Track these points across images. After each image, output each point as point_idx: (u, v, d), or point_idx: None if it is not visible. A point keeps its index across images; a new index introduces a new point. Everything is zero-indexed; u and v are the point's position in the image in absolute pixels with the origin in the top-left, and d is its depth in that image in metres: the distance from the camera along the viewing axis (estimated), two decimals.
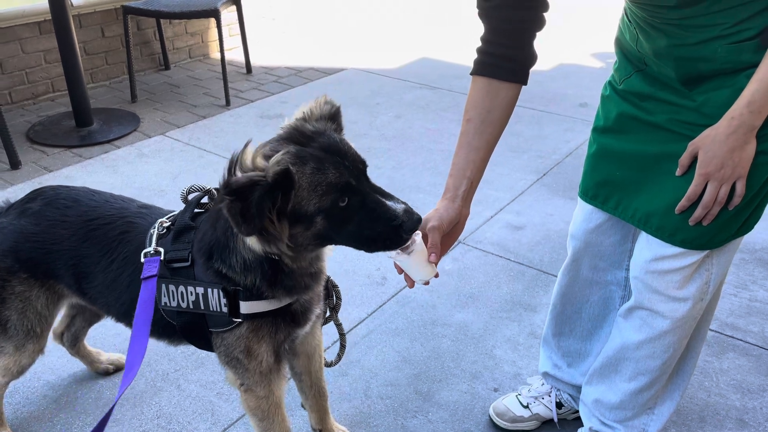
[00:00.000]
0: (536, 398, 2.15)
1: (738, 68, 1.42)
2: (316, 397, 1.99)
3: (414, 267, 1.47)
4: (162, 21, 5.32)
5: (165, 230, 1.63)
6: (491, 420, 2.17)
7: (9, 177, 3.76)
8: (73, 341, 2.27)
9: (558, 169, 3.90)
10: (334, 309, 1.84)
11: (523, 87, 1.59)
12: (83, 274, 1.74)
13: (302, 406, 2.05)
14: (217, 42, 5.12)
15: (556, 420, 2.14)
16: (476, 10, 1.55)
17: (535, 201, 3.56)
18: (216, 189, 1.59)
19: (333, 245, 1.52)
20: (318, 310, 1.72)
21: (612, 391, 1.87)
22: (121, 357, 2.39)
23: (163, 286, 1.57)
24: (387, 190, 1.42)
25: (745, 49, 1.40)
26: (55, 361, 2.40)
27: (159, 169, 3.85)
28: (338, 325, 1.89)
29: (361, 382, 2.35)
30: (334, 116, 1.48)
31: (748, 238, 2.33)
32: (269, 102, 4.90)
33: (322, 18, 7.08)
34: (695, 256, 1.58)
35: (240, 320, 1.55)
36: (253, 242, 1.42)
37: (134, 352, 1.43)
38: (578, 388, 2.08)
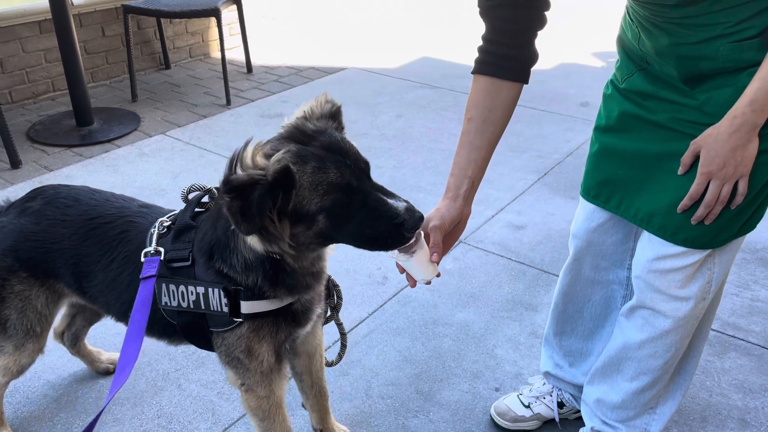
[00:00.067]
0: (538, 398, 2.14)
1: (740, 67, 1.42)
2: (317, 397, 1.98)
3: (416, 266, 1.47)
4: (162, 20, 5.32)
5: (165, 229, 1.62)
6: (492, 420, 2.17)
7: (9, 176, 3.76)
8: (74, 340, 2.26)
9: (559, 169, 3.89)
10: (335, 308, 1.83)
11: (524, 86, 1.59)
12: (83, 273, 1.73)
13: (303, 405, 2.04)
14: (218, 41, 5.11)
15: (557, 420, 2.14)
16: (477, 10, 1.55)
17: (536, 200, 3.55)
18: (217, 188, 1.59)
19: (334, 245, 1.52)
20: (319, 309, 1.72)
21: (614, 390, 1.87)
22: None
23: (164, 285, 1.57)
24: (388, 189, 1.42)
25: (747, 47, 1.39)
26: (55, 361, 2.39)
27: (159, 169, 3.85)
28: (339, 325, 1.89)
29: (362, 381, 2.34)
30: (335, 115, 1.48)
31: (749, 238, 2.32)
32: (270, 101, 4.89)
33: (323, 17, 7.08)
34: (697, 256, 1.57)
35: (241, 320, 1.54)
36: (254, 241, 1.42)
37: (127, 353, 1.42)
38: (580, 388, 2.07)
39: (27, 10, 4.53)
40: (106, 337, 2.51)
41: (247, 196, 1.26)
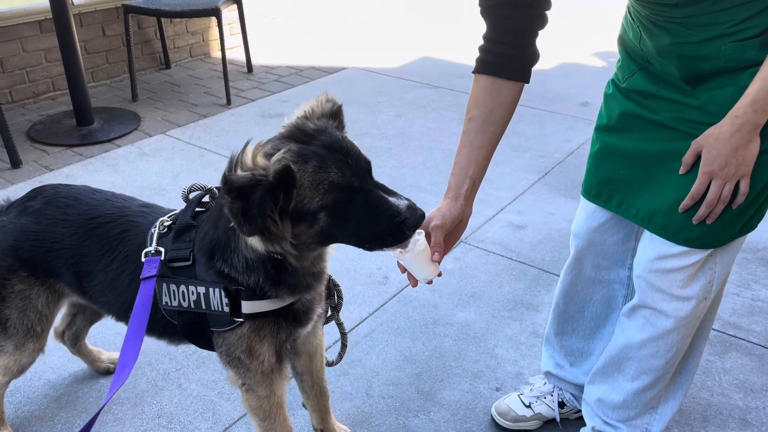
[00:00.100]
0: (538, 398, 2.14)
1: (741, 66, 1.42)
2: (317, 397, 1.98)
3: (417, 266, 1.46)
4: (163, 20, 5.32)
5: (166, 229, 1.62)
6: (493, 419, 2.16)
7: (10, 176, 3.76)
8: (74, 340, 2.26)
9: (559, 169, 3.89)
10: (336, 308, 1.83)
11: (525, 86, 1.59)
12: (84, 272, 1.73)
13: (303, 405, 2.04)
14: (218, 41, 5.12)
15: (558, 419, 2.14)
16: (477, 9, 1.55)
17: (537, 200, 3.55)
18: (217, 188, 1.59)
19: (335, 244, 1.52)
20: (320, 309, 1.72)
21: (615, 390, 1.86)
22: None
23: (164, 285, 1.57)
24: (389, 187, 1.42)
25: (749, 47, 1.39)
26: (55, 360, 2.39)
27: (160, 168, 3.85)
28: (340, 325, 1.89)
29: (362, 381, 2.34)
30: (335, 114, 1.48)
31: (750, 238, 2.32)
32: (270, 101, 4.89)
33: (323, 17, 7.08)
34: (699, 255, 1.57)
35: (242, 320, 1.54)
36: (255, 242, 1.41)
37: (127, 353, 1.42)
38: (581, 388, 2.07)
39: (27, 9, 4.53)
40: (107, 336, 2.51)
41: (249, 197, 1.25)
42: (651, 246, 1.63)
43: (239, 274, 1.50)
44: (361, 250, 1.47)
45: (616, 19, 1.77)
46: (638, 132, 1.64)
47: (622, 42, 1.71)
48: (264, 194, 1.26)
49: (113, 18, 5.07)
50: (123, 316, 1.76)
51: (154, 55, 5.47)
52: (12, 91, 4.64)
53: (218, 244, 1.51)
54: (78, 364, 2.37)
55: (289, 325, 1.60)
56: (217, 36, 5.23)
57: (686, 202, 1.50)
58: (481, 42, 1.57)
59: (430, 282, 1.51)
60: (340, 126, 1.48)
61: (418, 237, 1.44)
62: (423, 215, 1.38)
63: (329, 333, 2.26)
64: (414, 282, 1.53)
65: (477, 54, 1.58)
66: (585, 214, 1.86)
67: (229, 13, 5.65)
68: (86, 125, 4.32)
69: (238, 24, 5.22)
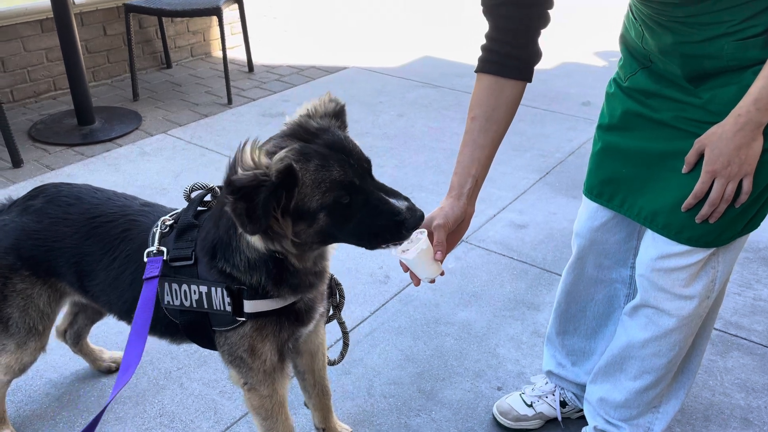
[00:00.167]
0: (540, 397, 2.14)
1: (744, 65, 1.41)
2: (319, 396, 1.98)
3: (420, 265, 1.46)
4: (164, 19, 5.32)
5: (168, 228, 1.62)
6: (495, 419, 2.16)
7: (11, 175, 3.76)
8: (76, 339, 2.26)
9: (561, 168, 3.89)
10: (338, 307, 1.83)
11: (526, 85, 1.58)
12: (85, 271, 1.73)
13: (305, 404, 2.04)
14: (219, 40, 5.11)
15: (560, 419, 2.14)
16: (479, 9, 1.55)
17: (538, 200, 3.55)
18: (219, 187, 1.59)
19: (336, 244, 1.52)
20: (321, 308, 1.72)
21: (617, 389, 1.86)
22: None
23: (166, 284, 1.57)
24: (390, 187, 1.42)
25: (752, 45, 1.39)
26: (57, 359, 2.39)
27: (161, 168, 3.85)
28: (341, 324, 1.89)
29: (364, 380, 2.34)
30: (338, 114, 1.48)
31: (752, 237, 2.32)
32: (271, 100, 4.89)
33: (324, 17, 7.08)
34: (701, 254, 1.57)
35: (244, 319, 1.54)
36: (256, 240, 1.41)
37: (131, 353, 1.42)
38: (582, 387, 2.07)
39: (28, 8, 4.53)
40: (108, 335, 2.51)
41: (252, 198, 1.25)
42: (653, 245, 1.63)
43: (241, 274, 1.50)
44: (362, 249, 1.47)
45: (617, 18, 1.77)
46: (640, 131, 1.64)
47: (624, 41, 1.70)
48: (268, 195, 1.26)
49: (114, 17, 5.07)
50: (124, 315, 1.76)
51: (155, 55, 5.47)
52: (13, 91, 4.64)
53: (220, 243, 1.51)
54: (80, 363, 2.37)
55: (291, 324, 1.60)
56: (218, 35, 5.23)
57: (689, 201, 1.50)
58: (484, 41, 1.57)
59: (432, 281, 1.50)
60: (343, 126, 1.48)
61: (421, 236, 1.44)
62: (422, 216, 1.39)
63: (331, 332, 2.26)
64: (417, 281, 1.53)
65: (479, 53, 1.58)
66: (587, 213, 1.86)
67: (230, 13, 5.65)
68: (87, 124, 4.32)
69: (239, 23, 5.22)
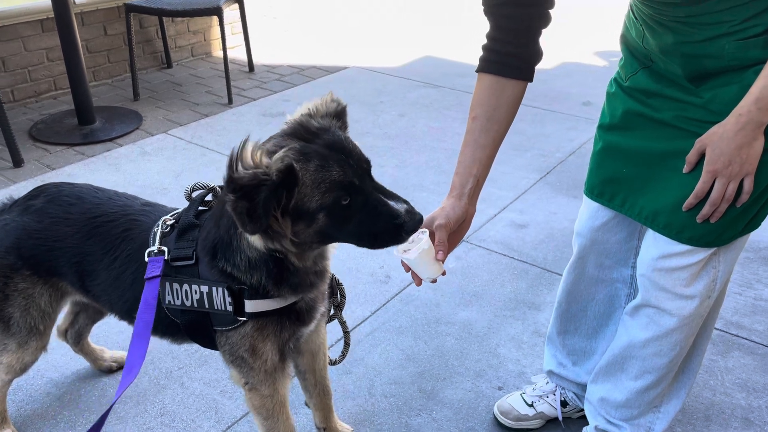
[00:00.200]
0: (541, 397, 2.14)
1: (745, 65, 1.41)
2: (320, 396, 1.98)
3: (421, 265, 1.46)
4: (164, 19, 5.32)
5: (168, 228, 1.62)
6: (495, 418, 2.16)
7: (12, 175, 3.76)
8: (77, 338, 2.26)
9: (561, 168, 3.89)
10: (339, 307, 1.83)
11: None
12: (86, 271, 1.73)
13: (306, 404, 2.04)
14: (220, 40, 5.12)
15: (560, 418, 2.14)
16: (479, 8, 1.55)
17: (539, 199, 3.55)
18: (220, 187, 1.59)
19: (336, 243, 1.52)
20: (323, 308, 1.72)
21: (618, 389, 1.86)
22: (124, 355, 2.38)
23: (167, 284, 1.57)
24: (390, 189, 1.42)
25: (753, 45, 1.39)
26: (58, 359, 2.39)
27: (161, 167, 3.85)
28: (342, 323, 1.89)
29: (365, 380, 2.34)
30: (339, 114, 1.47)
31: (753, 237, 2.32)
32: (272, 100, 4.89)
33: (324, 16, 7.08)
34: (702, 254, 1.57)
35: (245, 319, 1.54)
36: (255, 239, 1.41)
37: (134, 354, 1.42)
38: (583, 387, 2.07)
39: (29, 8, 4.53)
40: (109, 335, 2.51)
41: (253, 197, 1.25)
42: (654, 245, 1.63)
43: (242, 273, 1.50)
44: (363, 249, 1.47)
45: (616, 18, 1.77)
46: (641, 131, 1.64)
47: (625, 41, 1.70)
48: (269, 194, 1.26)
49: (115, 17, 5.07)
50: (125, 315, 1.77)
51: (155, 55, 5.47)
52: (14, 90, 4.65)
53: (220, 243, 1.51)
54: (81, 363, 2.37)
55: (292, 324, 1.60)
56: (219, 35, 5.23)
57: (690, 200, 1.50)
58: (485, 41, 1.57)
59: (434, 281, 1.51)
60: (344, 126, 1.48)
61: (422, 236, 1.44)
62: (421, 219, 1.39)
63: (332, 332, 2.26)
64: (418, 281, 1.53)
65: (479, 53, 1.58)
66: (588, 213, 1.86)
67: (231, 13, 5.65)
68: (88, 124, 4.32)
69: (240, 23, 5.22)
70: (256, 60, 5.59)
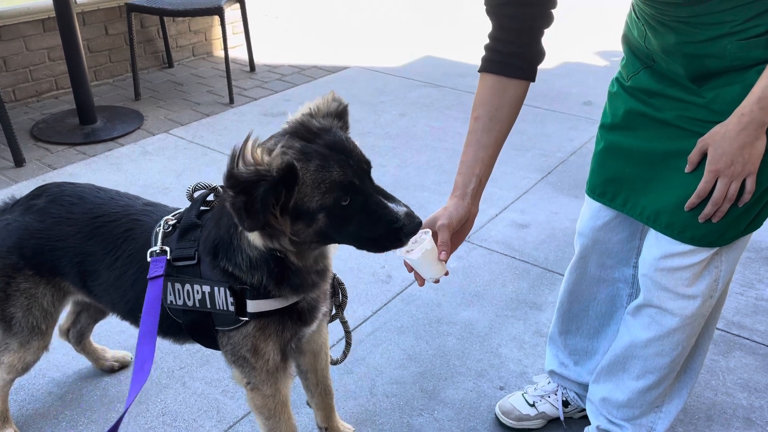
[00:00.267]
0: (542, 397, 2.14)
1: (747, 65, 1.41)
2: (321, 395, 1.98)
3: (424, 265, 1.46)
4: (166, 19, 5.32)
5: (170, 228, 1.62)
6: (497, 418, 2.16)
7: (13, 174, 3.76)
8: (79, 338, 2.26)
9: (562, 168, 3.89)
10: (340, 307, 1.83)
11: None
12: (88, 271, 1.73)
13: (308, 404, 2.04)
14: (221, 40, 5.12)
15: (562, 418, 2.14)
16: (479, 8, 1.55)
17: (540, 199, 3.55)
18: (222, 186, 1.58)
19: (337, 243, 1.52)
20: (325, 308, 1.72)
21: (619, 389, 1.86)
22: (126, 354, 2.38)
23: (169, 284, 1.57)
24: (391, 188, 1.42)
25: (755, 45, 1.39)
26: (60, 358, 2.40)
27: (163, 167, 3.85)
28: (344, 323, 1.89)
29: (366, 380, 2.34)
30: (341, 114, 1.47)
31: (754, 237, 2.32)
32: (273, 100, 4.89)
33: (325, 16, 7.08)
34: (704, 254, 1.57)
35: (247, 319, 1.54)
36: (254, 237, 1.41)
37: (143, 353, 1.41)
38: (585, 387, 2.07)
39: (30, 8, 4.53)
40: (111, 334, 2.51)
41: (252, 192, 1.25)
42: (656, 244, 1.63)
43: (243, 273, 1.50)
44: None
45: (618, 17, 1.77)
46: (643, 130, 1.64)
47: (627, 40, 1.70)
48: (267, 190, 1.26)
49: (116, 17, 5.08)
50: (127, 314, 1.77)
51: (156, 54, 5.47)
52: (15, 90, 4.65)
53: (221, 242, 1.51)
54: (82, 362, 2.37)
55: (294, 324, 1.60)
56: (220, 35, 5.23)
57: (692, 200, 1.50)
58: (487, 41, 1.57)
59: (437, 281, 1.51)
60: (345, 126, 1.48)
61: (425, 236, 1.44)
62: (420, 223, 1.39)
63: (333, 331, 2.26)
64: (421, 281, 1.53)
65: (480, 53, 1.58)
66: (589, 212, 1.86)
67: (232, 12, 5.65)
68: (89, 124, 4.32)
69: (241, 23, 5.22)
70: (257, 60, 5.59)
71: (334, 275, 1.74)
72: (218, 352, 1.71)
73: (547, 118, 4.57)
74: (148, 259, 1.57)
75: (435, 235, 1.50)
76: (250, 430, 2.13)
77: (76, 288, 1.80)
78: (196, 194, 1.67)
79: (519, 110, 1.58)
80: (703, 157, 1.47)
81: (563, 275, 2.04)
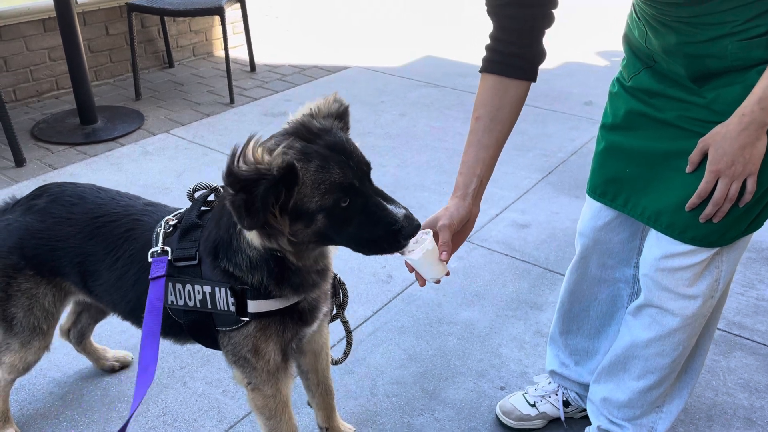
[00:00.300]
0: (543, 397, 2.14)
1: (748, 65, 1.41)
2: (322, 395, 1.98)
3: (425, 266, 1.46)
4: (166, 19, 5.32)
5: (171, 228, 1.62)
6: (498, 418, 2.16)
7: (14, 174, 3.76)
8: (80, 338, 2.27)
9: (563, 168, 3.89)
10: (341, 306, 1.83)
11: None
12: (89, 271, 1.73)
13: (308, 404, 2.04)
14: (221, 40, 5.11)
15: (563, 418, 2.14)
16: (479, 9, 1.55)
17: (540, 199, 3.55)
18: (222, 187, 1.58)
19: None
20: (325, 308, 1.72)
21: (620, 389, 1.86)
22: (127, 354, 2.39)
23: (170, 284, 1.57)
24: (392, 188, 1.42)
25: (756, 45, 1.39)
26: (61, 358, 2.40)
27: (163, 167, 3.85)
28: (345, 323, 1.89)
29: (367, 380, 2.34)
30: (341, 115, 1.47)
31: (755, 237, 2.32)
32: (273, 100, 4.89)
33: (326, 16, 7.08)
34: (705, 254, 1.57)
35: (248, 319, 1.54)
36: (253, 236, 1.41)
37: (147, 354, 1.41)
38: (585, 387, 2.07)
39: (31, 8, 4.53)
40: (112, 334, 2.51)
41: (252, 191, 1.25)
42: (657, 245, 1.63)
43: (244, 273, 1.50)
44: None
45: (618, 18, 1.77)
46: (644, 130, 1.64)
47: (627, 41, 1.70)
48: (267, 188, 1.26)
49: (117, 17, 5.08)
50: (128, 314, 1.77)
51: (157, 54, 5.47)
52: (16, 90, 4.65)
53: (221, 243, 1.51)
54: (83, 362, 2.37)
55: (294, 324, 1.60)
56: (221, 35, 5.24)
57: (693, 200, 1.50)
58: (488, 41, 1.57)
59: (438, 281, 1.51)
60: (345, 127, 1.48)
61: (426, 236, 1.44)
62: (419, 226, 1.40)
63: (334, 331, 2.26)
64: (422, 281, 1.53)
65: (481, 53, 1.58)
66: (590, 212, 1.86)
67: (232, 12, 5.65)
68: (90, 124, 4.33)
69: (241, 23, 5.22)
70: (258, 60, 5.59)
71: (335, 275, 1.74)
72: (219, 353, 1.71)
73: (548, 118, 4.57)
74: (150, 260, 1.57)
75: (436, 236, 1.50)
76: (250, 430, 2.13)
77: (77, 288, 1.81)
78: (197, 194, 1.67)
79: (520, 110, 1.58)
80: (704, 157, 1.47)
81: (564, 275, 2.04)
